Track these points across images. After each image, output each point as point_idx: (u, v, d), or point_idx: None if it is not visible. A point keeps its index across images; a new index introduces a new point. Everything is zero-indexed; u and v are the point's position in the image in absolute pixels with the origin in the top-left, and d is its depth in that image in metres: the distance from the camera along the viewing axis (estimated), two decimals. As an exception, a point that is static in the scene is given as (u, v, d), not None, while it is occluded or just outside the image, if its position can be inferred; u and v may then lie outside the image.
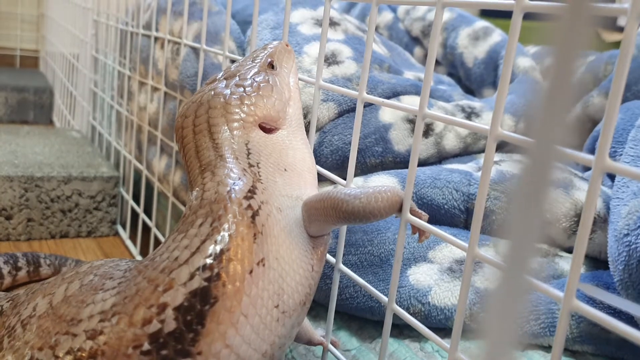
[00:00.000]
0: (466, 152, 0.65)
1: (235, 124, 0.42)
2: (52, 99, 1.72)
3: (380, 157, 0.62)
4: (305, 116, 0.63)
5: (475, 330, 0.50)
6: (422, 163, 0.63)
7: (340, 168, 0.62)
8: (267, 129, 0.43)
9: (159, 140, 0.81)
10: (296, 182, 0.42)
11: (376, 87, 0.64)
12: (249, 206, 0.37)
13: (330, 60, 0.64)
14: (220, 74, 0.47)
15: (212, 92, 0.44)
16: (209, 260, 0.35)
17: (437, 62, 0.97)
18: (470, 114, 0.67)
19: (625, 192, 0.45)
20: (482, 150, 0.67)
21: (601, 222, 0.54)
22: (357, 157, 0.58)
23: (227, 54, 0.60)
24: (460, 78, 0.93)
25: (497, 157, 0.62)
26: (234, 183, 0.38)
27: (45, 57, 1.97)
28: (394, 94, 0.64)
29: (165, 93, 0.79)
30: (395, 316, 0.44)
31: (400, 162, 0.62)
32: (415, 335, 0.51)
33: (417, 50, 1.01)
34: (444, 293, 0.50)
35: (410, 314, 0.47)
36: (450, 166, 0.60)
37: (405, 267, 0.53)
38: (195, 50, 0.71)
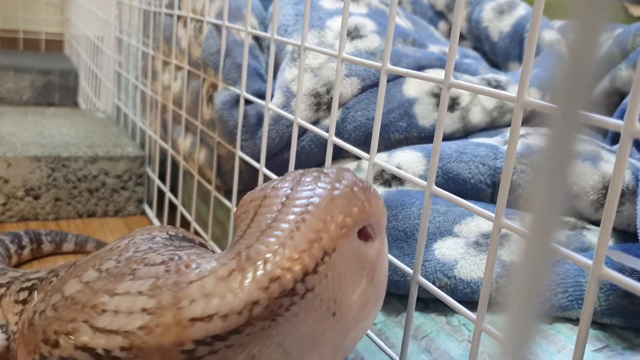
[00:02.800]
0: (492, 126, 0.65)
1: None
2: (77, 82, 1.74)
3: (404, 132, 0.61)
4: (327, 92, 0.63)
5: (500, 303, 0.50)
6: (447, 137, 0.62)
7: (363, 144, 0.62)
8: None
9: (183, 119, 0.81)
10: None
11: (400, 60, 0.63)
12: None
13: (353, 34, 0.64)
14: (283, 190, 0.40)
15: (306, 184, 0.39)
16: None
17: (462, 37, 0.96)
18: (496, 87, 0.66)
19: (655, 163, 0.44)
20: (509, 124, 0.66)
21: (630, 194, 0.53)
22: (380, 133, 0.57)
23: (250, 30, 0.60)
24: (486, 52, 0.92)
25: (523, 130, 0.61)
26: None
27: (70, 40, 1.99)
28: (419, 68, 0.64)
29: (189, 72, 0.79)
30: (421, 290, 0.44)
31: (425, 138, 0.62)
32: (441, 309, 0.51)
33: (442, 25, 0.99)
34: (470, 267, 0.50)
35: (436, 288, 0.47)
36: (477, 140, 0.60)
37: (431, 242, 0.52)
38: (218, 28, 0.71)
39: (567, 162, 0.12)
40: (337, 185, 0.37)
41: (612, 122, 0.27)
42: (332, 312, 0.35)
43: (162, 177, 0.94)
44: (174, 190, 0.90)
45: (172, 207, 0.89)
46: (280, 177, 0.40)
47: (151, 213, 0.97)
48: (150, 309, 0.35)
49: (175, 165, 0.90)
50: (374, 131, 0.42)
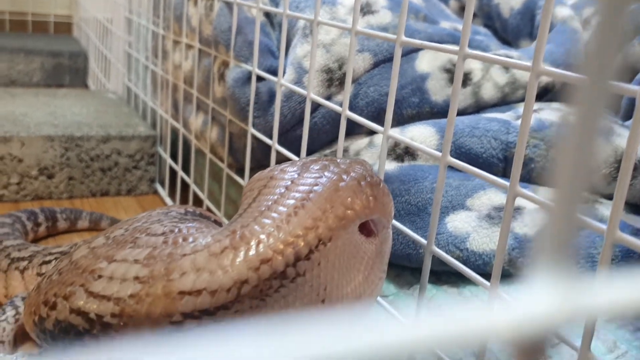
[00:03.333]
0: (504, 101, 0.65)
1: None
2: (86, 64, 1.74)
3: (416, 108, 0.62)
4: (340, 67, 0.63)
5: (520, 277, 0.51)
6: (460, 113, 0.63)
7: (375, 120, 0.62)
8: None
9: (194, 97, 0.82)
10: None
11: (412, 36, 0.63)
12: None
13: (365, 9, 0.64)
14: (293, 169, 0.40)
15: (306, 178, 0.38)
16: None
17: (473, 14, 0.95)
18: (507, 63, 0.66)
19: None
20: (520, 100, 0.66)
21: (643, 168, 0.54)
22: (393, 109, 0.58)
23: (261, 7, 0.60)
24: (496, 30, 0.91)
25: (536, 105, 0.61)
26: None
27: (79, 22, 1.99)
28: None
29: (200, 50, 0.79)
30: (433, 263, 0.44)
31: (437, 113, 0.62)
32: (454, 281, 0.52)
33: (452, 2, 0.99)
34: (483, 239, 0.51)
35: (450, 257, 0.48)
36: (489, 115, 0.60)
37: (444, 215, 0.53)
38: (229, 5, 0.71)
39: (594, 133, 0.13)
40: (344, 176, 0.37)
41: (629, 88, 0.27)
42: (322, 299, 0.35)
43: (174, 157, 0.95)
44: (185, 169, 0.91)
45: (185, 186, 0.90)
46: (291, 161, 0.41)
47: (163, 192, 0.98)
48: (142, 278, 0.36)
49: (186, 144, 0.90)
50: (389, 104, 0.43)
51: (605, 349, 0.43)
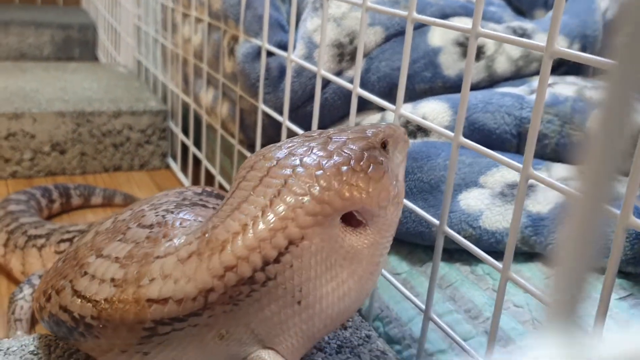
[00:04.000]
0: (518, 75, 0.64)
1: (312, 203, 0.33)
2: (96, 36, 1.73)
3: (429, 82, 0.61)
4: (351, 42, 0.62)
5: (547, 259, 0.50)
6: (473, 87, 0.62)
7: (387, 95, 0.61)
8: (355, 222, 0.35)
9: (204, 72, 0.81)
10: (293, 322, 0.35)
11: (424, 9, 0.62)
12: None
13: (377, -17, 0.62)
14: (308, 144, 0.36)
15: (296, 159, 0.34)
16: None
17: (486, -17, 0.93)
18: (521, 35, 0.64)
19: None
20: (534, 73, 0.65)
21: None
22: (405, 84, 0.57)
23: (271, -19, 0.59)
24: (510, 0, 0.89)
25: (550, 79, 0.60)
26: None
27: (88, -7, 1.98)
28: (443, 16, 0.63)
29: (209, 24, 0.79)
30: (446, 240, 0.44)
31: (450, 88, 0.61)
32: (466, 259, 0.52)
33: (465, -29, 0.97)
34: (496, 217, 0.50)
35: (462, 238, 0.48)
36: (502, 90, 0.59)
37: (456, 193, 0.53)
38: (238, -21, 0.70)
39: (625, 120, 0.12)
40: (324, 162, 0.33)
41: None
42: (297, 301, 0.33)
43: (185, 131, 0.95)
44: (197, 144, 0.91)
45: (197, 161, 0.90)
46: (280, 142, 0.37)
47: (176, 167, 0.98)
48: (117, 281, 0.34)
49: (198, 119, 0.90)
50: (400, 82, 0.42)
51: (618, 328, 0.43)
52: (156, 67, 1.09)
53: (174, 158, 0.99)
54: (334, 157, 0.34)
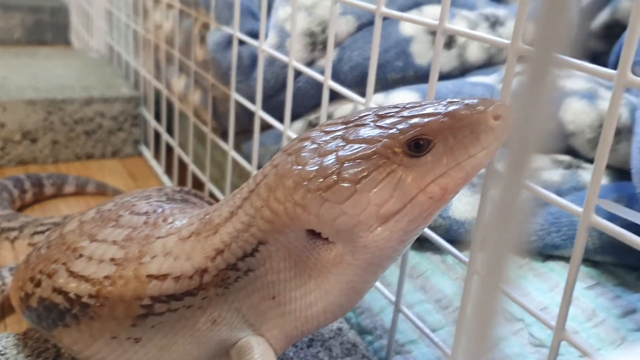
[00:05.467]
0: (490, 63, 0.64)
1: (294, 208, 0.32)
2: (68, 19, 1.70)
3: (401, 71, 0.61)
4: (323, 31, 0.62)
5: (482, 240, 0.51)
6: (444, 76, 0.62)
7: (360, 85, 0.61)
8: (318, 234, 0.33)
9: (176, 59, 0.80)
10: (265, 319, 0.36)
11: (396, -2, 0.62)
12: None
13: (348, -29, 0.62)
14: (336, 128, 0.33)
15: (293, 156, 0.33)
16: None
17: (460, -32, 0.93)
18: (494, 23, 0.64)
19: (652, 103, 0.44)
20: (506, 61, 0.65)
21: (626, 132, 0.53)
22: (377, 73, 0.57)
23: (241, -31, 0.58)
24: (484, -16, 0.89)
25: (519, 67, 0.61)
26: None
27: (58, -26, 1.93)
28: (416, 4, 0.62)
29: (181, 10, 0.77)
30: (417, 231, 0.44)
31: (422, 77, 0.61)
32: (437, 248, 0.52)
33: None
34: (465, 207, 0.51)
35: (432, 228, 0.48)
36: (474, 79, 0.59)
37: (427, 183, 0.53)
38: (209, -35, 0.69)
39: (541, 104, 0.13)
40: (294, 171, 0.32)
41: (605, 72, 0.27)
42: (272, 296, 0.35)
43: (157, 118, 0.94)
44: (170, 131, 0.90)
45: (170, 149, 0.89)
46: (302, 135, 0.35)
47: (149, 154, 0.97)
48: (117, 260, 0.36)
49: (170, 105, 0.89)
50: (369, 75, 0.42)
51: (585, 317, 0.44)
52: (128, 52, 1.08)
53: (147, 145, 0.98)
54: (306, 167, 0.31)
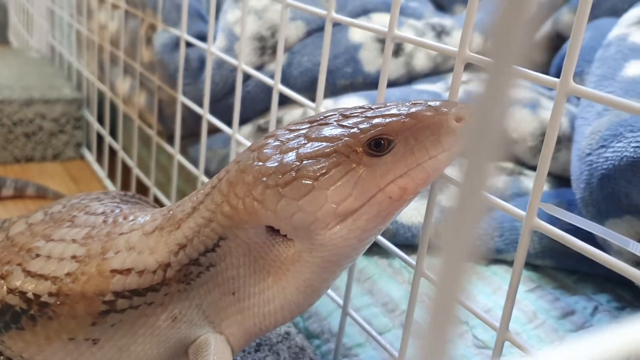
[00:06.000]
0: (436, 71, 0.65)
1: (252, 203, 0.32)
2: (6, 17, 1.64)
3: (350, 78, 0.61)
4: (272, 35, 0.62)
5: (436, 247, 0.52)
6: (391, 84, 0.63)
7: (309, 90, 0.61)
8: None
9: (121, 60, 0.78)
10: (225, 315, 0.36)
11: (346, 3, 0.62)
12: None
13: (298, -24, 0.62)
14: (301, 126, 0.33)
15: (255, 153, 0.33)
16: None
17: (407, -22, 0.95)
18: (440, 32, 0.66)
19: (589, 112, 0.46)
20: (452, 70, 0.67)
21: (566, 140, 0.55)
22: (326, 79, 0.57)
23: (190, -30, 0.57)
24: (431, -6, 0.91)
25: (465, 76, 0.62)
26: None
27: (-3, -29, 1.86)
28: (364, 12, 0.63)
29: (126, 11, 0.76)
30: (364, 236, 0.45)
31: (370, 84, 0.62)
32: (384, 252, 0.53)
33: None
34: (411, 212, 0.51)
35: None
36: (420, 87, 0.60)
37: (374, 188, 0.53)
38: (157, -34, 0.68)
39: (498, 112, 0.13)
40: (254, 167, 0.32)
41: (548, 79, 0.28)
42: (232, 292, 0.35)
43: (101, 120, 0.92)
44: (113, 133, 0.88)
45: (113, 152, 0.87)
46: (272, 132, 0.35)
47: (91, 157, 0.95)
48: (79, 257, 0.35)
49: (114, 108, 0.87)
50: (319, 81, 0.42)
51: (526, 319, 0.45)
52: (71, 53, 1.05)
53: (89, 148, 0.96)
54: (266, 163, 0.32)
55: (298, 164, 0.31)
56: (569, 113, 0.57)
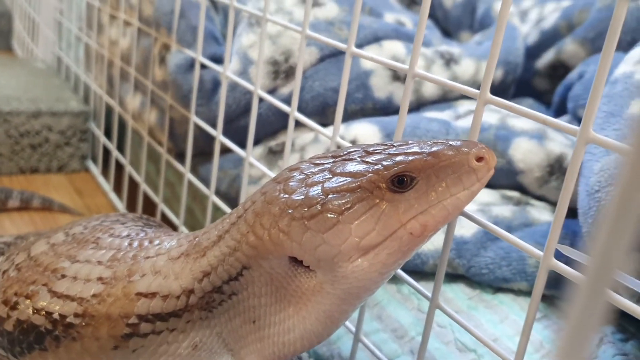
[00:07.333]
0: (444, 99, 0.67)
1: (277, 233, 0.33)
2: (11, 25, 1.65)
3: (360, 103, 0.62)
4: (286, 60, 0.63)
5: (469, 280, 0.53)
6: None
7: (320, 114, 0.62)
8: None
9: (132, 77, 0.79)
10: (245, 344, 0.36)
11: (358, 32, 0.63)
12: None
13: (312, 2, 0.63)
14: (325, 161, 0.34)
15: (281, 185, 0.34)
16: None
17: (415, 2, 0.96)
18: (449, 60, 0.67)
19: (598, 148, 0.47)
20: (459, 97, 0.68)
21: (571, 172, 0.57)
22: (337, 104, 0.58)
23: (208, -5, 0.59)
24: (438, 19, 0.93)
25: (473, 106, 0.63)
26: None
27: (2, -22, 1.87)
28: (375, 39, 0.64)
29: (139, 29, 0.77)
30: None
31: (379, 109, 0.63)
32: (393, 278, 0.54)
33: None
34: (422, 240, 0.52)
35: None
36: (429, 114, 0.61)
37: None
38: (172, -13, 0.69)
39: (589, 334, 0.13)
40: (281, 199, 0.33)
41: (569, 127, 0.29)
42: (252, 320, 0.36)
43: (107, 133, 0.93)
44: (120, 148, 0.88)
45: (119, 166, 0.88)
46: (295, 165, 0.36)
47: (96, 170, 0.95)
48: (105, 279, 0.36)
49: (122, 122, 0.88)
50: (337, 112, 0.43)
51: (533, 348, 0.46)
52: (78, 65, 1.06)
53: (95, 161, 0.96)
54: (292, 196, 0.33)
55: (323, 197, 0.32)
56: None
